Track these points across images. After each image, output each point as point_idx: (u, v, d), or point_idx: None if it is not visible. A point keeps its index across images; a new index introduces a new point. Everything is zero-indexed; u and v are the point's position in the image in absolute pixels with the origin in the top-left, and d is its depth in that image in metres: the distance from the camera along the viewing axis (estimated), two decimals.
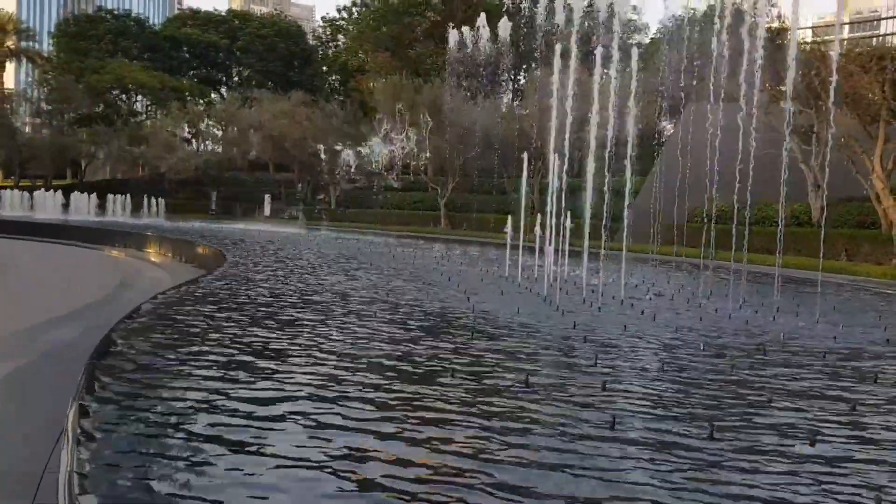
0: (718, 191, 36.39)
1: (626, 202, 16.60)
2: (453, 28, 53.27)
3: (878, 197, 30.15)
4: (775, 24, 55.09)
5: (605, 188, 21.76)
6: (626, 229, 16.21)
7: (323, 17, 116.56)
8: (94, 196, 61.25)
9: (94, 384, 5.09)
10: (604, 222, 17.23)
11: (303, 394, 5.20)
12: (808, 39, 61.06)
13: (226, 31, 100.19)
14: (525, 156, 20.20)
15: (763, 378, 6.75)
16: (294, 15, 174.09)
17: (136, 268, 24.03)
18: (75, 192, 64.07)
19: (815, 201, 34.34)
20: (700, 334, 9.34)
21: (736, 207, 35.87)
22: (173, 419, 4.43)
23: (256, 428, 4.34)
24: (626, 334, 9.04)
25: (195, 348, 6.60)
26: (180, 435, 4.15)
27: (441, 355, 7.01)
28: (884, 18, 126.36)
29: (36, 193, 63.31)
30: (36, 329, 11.77)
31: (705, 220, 37.34)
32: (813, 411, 5.54)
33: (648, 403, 5.51)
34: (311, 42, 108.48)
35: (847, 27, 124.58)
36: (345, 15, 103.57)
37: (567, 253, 17.03)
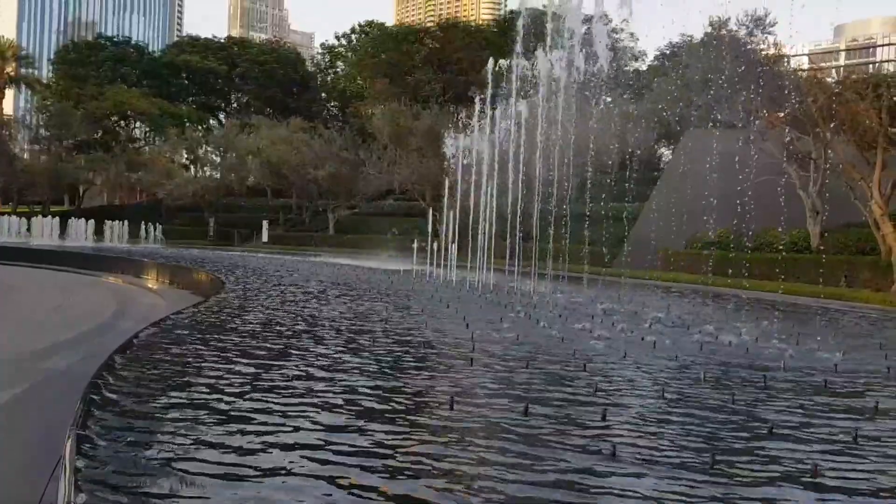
0: (717, 217, 36.53)
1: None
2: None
3: (877, 223, 30.18)
4: (772, 51, 55.61)
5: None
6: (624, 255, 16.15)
7: (322, 44, 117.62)
8: (91, 222, 61.27)
9: (91, 414, 4.98)
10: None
11: (304, 425, 5.09)
12: (805, 66, 61.58)
13: (225, 58, 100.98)
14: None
15: (763, 407, 6.66)
16: (293, 42, 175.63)
17: (133, 295, 23.92)
18: (73, 218, 64.11)
19: (814, 227, 34.38)
20: (700, 362, 9.24)
21: (735, 234, 35.91)
22: (169, 453, 4.32)
23: (253, 470, 4.21)
24: (625, 361, 8.95)
25: (190, 380, 6.48)
26: (178, 468, 4.04)
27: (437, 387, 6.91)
28: (879, 45, 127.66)
29: (33, 220, 63.31)
30: (33, 357, 11.64)
31: (703, 247, 37.50)
32: (814, 441, 5.45)
33: (649, 432, 5.42)
34: (309, 69, 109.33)
35: (843, 54, 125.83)
36: (343, 42, 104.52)
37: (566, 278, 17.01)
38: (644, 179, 45.18)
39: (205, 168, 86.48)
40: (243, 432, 4.79)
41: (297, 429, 4.93)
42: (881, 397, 7.50)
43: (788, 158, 34.69)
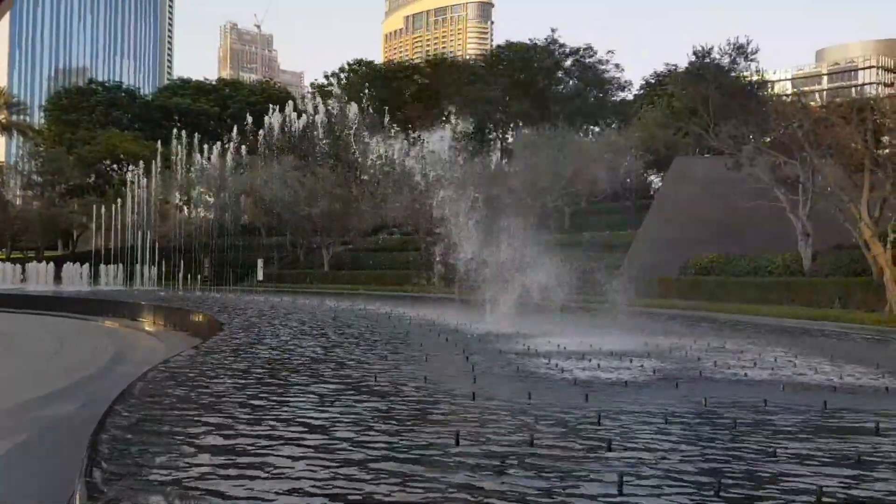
0: (709, 242, 36.80)
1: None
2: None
3: (867, 244, 30.44)
4: (755, 78, 56.47)
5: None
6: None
7: (312, 83, 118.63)
8: (86, 266, 61.22)
9: (98, 463, 5.04)
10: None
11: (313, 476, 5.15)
12: (789, 91, 62.46)
13: (216, 99, 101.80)
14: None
15: (764, 431, 6.74)
16: (283, 81, 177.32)
17: (130, 338, 23.90)
18: (67, 262, 64.06)
19: (805, 250, 34.64)
20: (700, 389, 9.32)
21: (727, 259, 36.15)
22: (178, 497, 4.38)
23: None
24: (626, 389, 9.03)
25: (193, 427, 6.53)
26: None
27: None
28: (860, 69, 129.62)
29: (28, 265, 63.24)
30: (32, 405, 11.65)
31: (697, 273, 37.69)
32: (816, 464, 5.53)
33: (651, 459, 5.49)
34: (300, 107, 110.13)
35: (825, 78, 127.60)
36: (333, 80, 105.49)
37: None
38: (636, 207, 45.51)
39: (198, 209, 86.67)
40: (250, 477, 4.85)
41: (303, 478, 4.96)
42: (881, 417, 7.59)
43: (777, 183, 35.07)
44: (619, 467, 5.07)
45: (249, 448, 5.62)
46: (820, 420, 7.61)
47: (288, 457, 5.37)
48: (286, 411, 7.22)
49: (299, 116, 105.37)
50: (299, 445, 5.77)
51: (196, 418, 6.74)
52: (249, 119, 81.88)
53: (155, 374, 9.41)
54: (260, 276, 70.00)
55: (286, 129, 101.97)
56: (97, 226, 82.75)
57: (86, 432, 6.08)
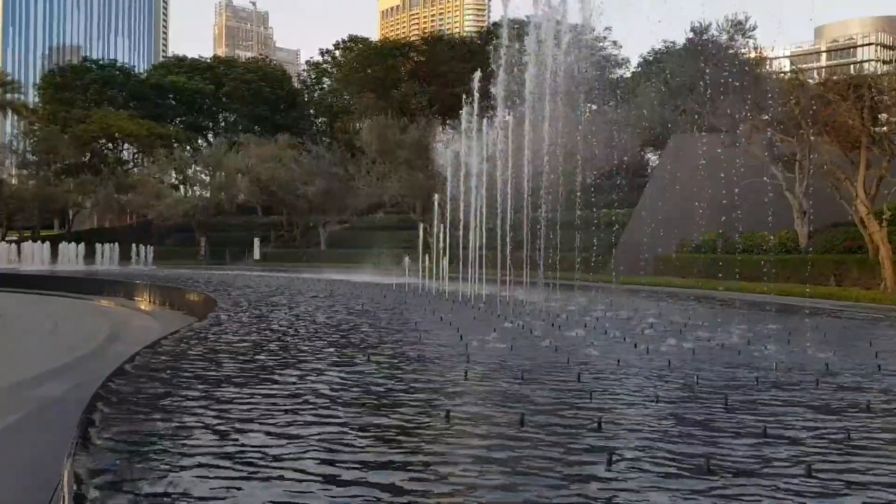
0: (706, 220, 36.75)
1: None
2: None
3: (863, 222, 30.42)
4: (753, 55, 56.10)
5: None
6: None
7: (307, 61, 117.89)
8: (81, 246, 61.10)
9: (87, 443, 5.02)
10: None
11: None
12: (787, 69, 62.16)
13: (211, 78, 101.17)
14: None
15: (756, 408, 6.74)
16: (279, 59, 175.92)
17: (125, 317, 23.90)
18: (63, 242, 63.91)
19: (801, 228, 34.62)
20: (694, 366, 9.33)
21: (723, 237, 36.15)
22: (170, 482, 4.36)
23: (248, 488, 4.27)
24: (620, 367, 9.03)
25: (186, 404, 6.52)
26: (176, 495, 4.09)
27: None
28: (859, 46, 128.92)
29: (23, 245, 63.10)
30: (27, 384, 11.65)
31: (693, 251, 37.71)
32: (808, 442, 5.54)
33: (645, 438, 5.49)
34: (296, 85, 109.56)
35: (824, 55, 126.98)
36: (329, 58, 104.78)
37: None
38: (632, 185, 45.39)
39: (194, 188, 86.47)
40: (241, 459, 4.84)
41: (297, 471, 4.93)
42: (872, 395, 7.60)
43: (773, 160, 34.99)
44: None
45: (241, 428, 5.61)
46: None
47: (283, 433, 5.36)
48: (274, 390, 7.21)
49: (295, 96, 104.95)
50: (295, 416, 5.76)
51: (187, 398, 6.72)
52: None
53: (148, 353, 9.40)
54: (257, 255, 70.00)
55: (281, 107, 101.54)
56: (93, 205, 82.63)
57: (78, 412, 6.07)
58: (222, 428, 5.56)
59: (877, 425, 6.41)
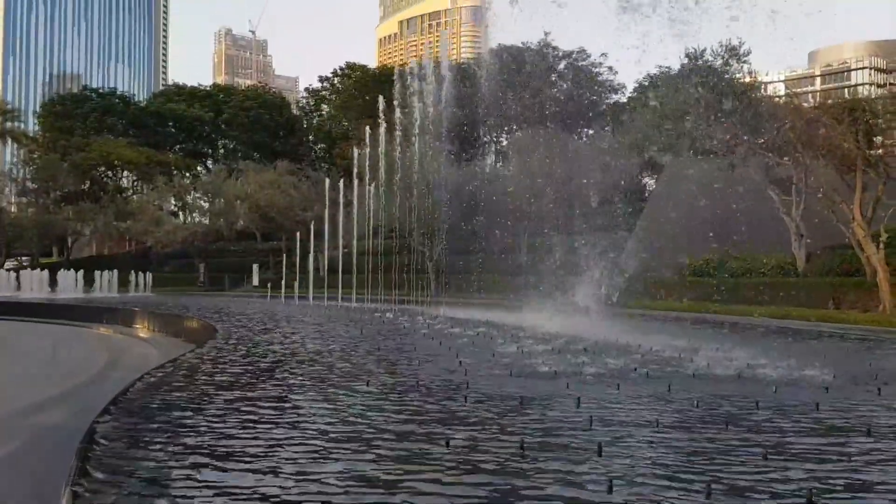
0: (703, 244, 36.84)
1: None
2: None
3: (860, 244, 30.52)
4: (747, 79, 56.58)
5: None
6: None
7: (306, 88, 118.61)
8: (80, 273, 61.04)
9: (86, 471, 5.03)
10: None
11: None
12: (781, 93, 62.64)
13: (210, 105, 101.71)
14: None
15: (756, 432, 6.75)
16: (278, 86, 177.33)
17: (124, 345, 23.84)
18: (62, 269, 63.85)
19: (799, 250, 34.71)
20: (693, 390, 9.34)
21: (721, 260, 36.15)
22: None
23: None
24: (619, 393, 9.04)
25: (185, 432, 6.53)
26: None
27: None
28: (853, 69, 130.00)
29: (22, 273, 63.05)
30: (25, 412, 11.61)
31: (690, 274, 37.74)
32: (808, 466, 5.55)
33: (645, 463, 5.50)
34: (295, 112, 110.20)
35: (818, 79, 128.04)
36: (327, 85, 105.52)
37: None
38: (630, 210, 45.56)
39: (193, 214, 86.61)
40: (238, 485, 4.84)
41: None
42: (873, 417, 7.61)
43: (770, 184, 35.17)
44: None
45: (237, 454, 5.62)
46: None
47: (279, 465, 5.37)
48: (276, 419, 7.22)
49: (294, 123, 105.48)
50: (292, 447, 5.77)
51: (185, 425, 6.73)
52: None
53: (146, 381, 9.40)
54: (256, 281, 69.96)
55: (280, 134, 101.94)
56: (92, 232, 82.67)
57: (77, 440, 6.08)
58: (220, 455, 5.57)
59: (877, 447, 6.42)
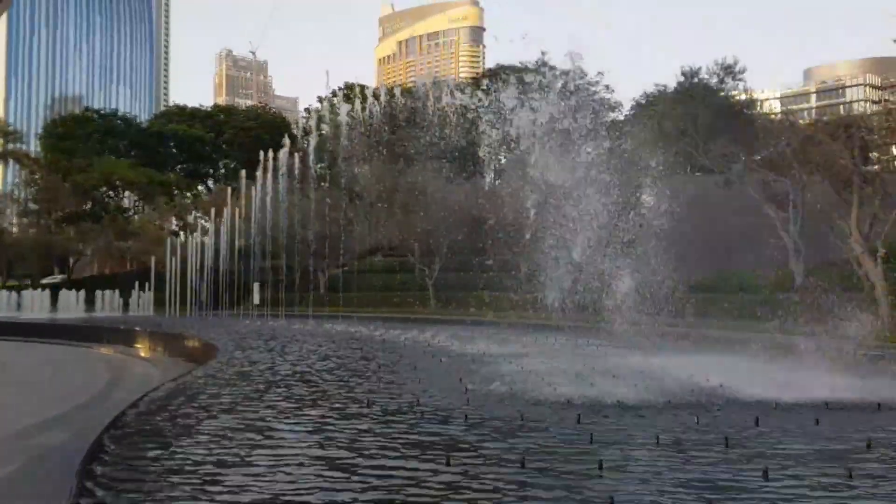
0: (700, 260, 36.91)
1: None
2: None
3: (858, 260, 30.62)
4: (743, 97, 56.98)
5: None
6: None
7: (306, 108, 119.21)
8: (82, 293, 61.11)
9: (87, 492, 5.13)
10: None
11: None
12: (777, 110, 63.01)
13: (211, 126, 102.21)
14: None
15: (756, 448, 6.83)
16: (278, 106, 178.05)
17: (125, 365, 23.90)
18: (63, 289, 63.92)
19: (797, 267, 34.82)
20: (693, 406, 9.42)
21: (719, 276, 36.23)
22: None
23: None
24: (619, 406, 9.15)
25: (185, 453, 6.63)
26: None
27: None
28: (848, 86, 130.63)
29: (24, 293, 63.15)
30: (26, 432, 11.69)
31: (688, 291, 37.76)
32: (809, 479, 5.62)
33: (644, 477, 5.59)
34: (295, 132, 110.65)
35: (813, 97, 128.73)
36: (326, 105, 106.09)
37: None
38: (627, 228, 45.63)
39: (194, 234, 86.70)
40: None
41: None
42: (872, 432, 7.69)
43: (767, 200, 35.34)
44: None
45: (235, 477, 5.72)
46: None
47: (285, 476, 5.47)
48: (272, 441, 7.32)
49: (294, 142, 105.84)
50: (292, 467, 5.87)
51: (187, 446, 6.83)
52: None
53: (147, 401, 9.50)
54: (256, 300, 69.93)
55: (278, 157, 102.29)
56: (93, 252, 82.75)
57: (77, 461, 6.18)
58: (217, 478, 5.67)
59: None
